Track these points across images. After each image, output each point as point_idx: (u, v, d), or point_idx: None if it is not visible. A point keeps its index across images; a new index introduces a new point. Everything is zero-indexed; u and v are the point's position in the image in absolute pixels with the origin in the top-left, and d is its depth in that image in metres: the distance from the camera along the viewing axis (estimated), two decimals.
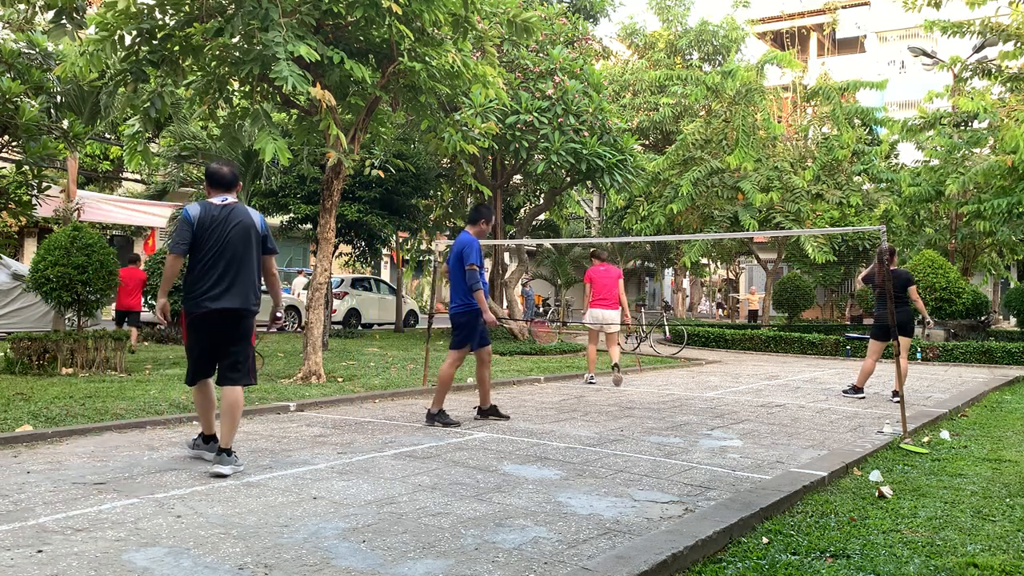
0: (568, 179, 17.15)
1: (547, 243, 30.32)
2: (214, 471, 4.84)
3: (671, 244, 27.72)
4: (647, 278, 42.36)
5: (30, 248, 23.64)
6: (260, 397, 7.95)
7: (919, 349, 16.01)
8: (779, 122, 21.90)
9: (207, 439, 5.31)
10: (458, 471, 5.14)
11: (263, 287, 5.42)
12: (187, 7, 8.54)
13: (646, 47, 28.32)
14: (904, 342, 9.24)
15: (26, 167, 10.07)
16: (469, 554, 3.50)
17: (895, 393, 9.45)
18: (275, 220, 19.82)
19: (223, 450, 4.91)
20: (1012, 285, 28.28)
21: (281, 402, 7.68)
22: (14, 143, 10.34)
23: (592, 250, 11.55)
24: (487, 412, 7.36)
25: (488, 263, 22.80)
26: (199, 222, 5.04)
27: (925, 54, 21.42)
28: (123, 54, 8.63)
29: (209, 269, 5.02)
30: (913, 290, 9.50)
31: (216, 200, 5.18)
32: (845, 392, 9.85)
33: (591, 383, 10.76)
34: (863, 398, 9.56)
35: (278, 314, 5.49)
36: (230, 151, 16.16)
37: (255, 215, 5.26)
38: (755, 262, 29.77)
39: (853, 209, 20.13)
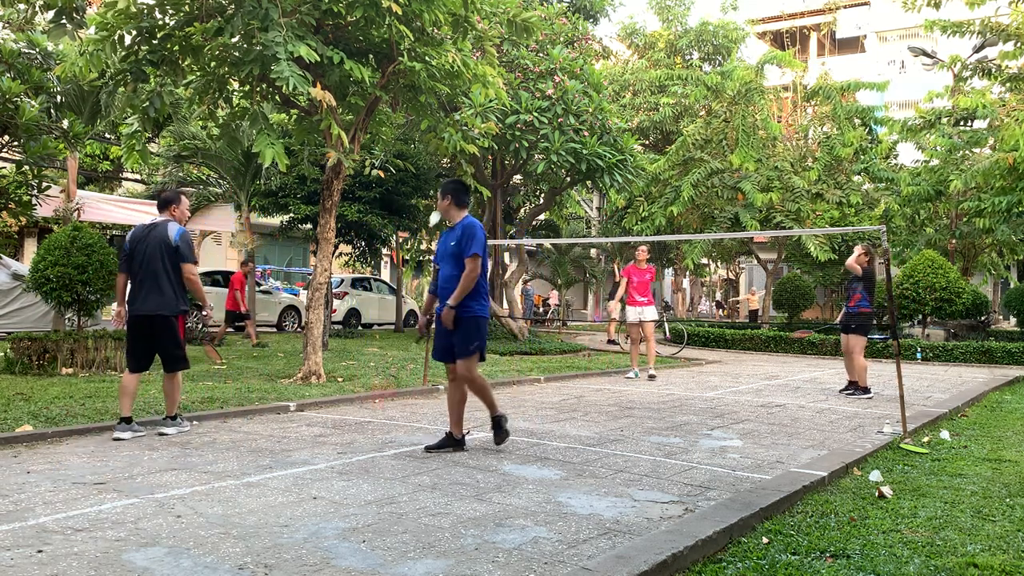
0: (568, 179, 17.14)
1: (547, 243, 30.29)
2: (160, 431, 6.20)
3: (671, 244, 27.72)
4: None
5: (30, 248, 23.64)
6: (260, 397, 7.96)
7: (919, 349, 16.02)
8: (779, 122, 21.88)
9: (126, 420, 6.11)
10: (458, 471, 5.13)
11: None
12: (187, 7, 8.54)
13: (646, 47, 28.29)
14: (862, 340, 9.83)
15: (26, 167, 10.07)
16: (469, 554, 3.50)
17: (852, 383, 9.87)
18: (275, 220, 19.83)
19: (169, 417, 6.33)
20: (1012, 285, 28.28)
21: (281, 402, 7.68)
22: (14, 143, 10.35)
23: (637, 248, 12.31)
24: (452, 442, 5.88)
25: (489, 263, 22.77)
26: (130, 243, 6.23)
27: (925, 54, 21.41)
28: (123, 54, 8.63)
29: (136, 281, 6.18)
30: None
31: (147, 220, 6.39)
32: (851, 394, 9.72)
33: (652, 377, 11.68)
34: (871, 397, 9.57)
35: (204, 312, 6.60)
36: (230, 151, 16.17)
37: (172, 230, 6.21)
38: (755, 262, 29.77)
39: (853, 209, 20.12)
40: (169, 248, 6.15)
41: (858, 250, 9.72)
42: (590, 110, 15.31)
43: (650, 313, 11.74)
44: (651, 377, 11.63)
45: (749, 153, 19.23)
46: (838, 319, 10.20)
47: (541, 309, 34.27)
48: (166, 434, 6.15)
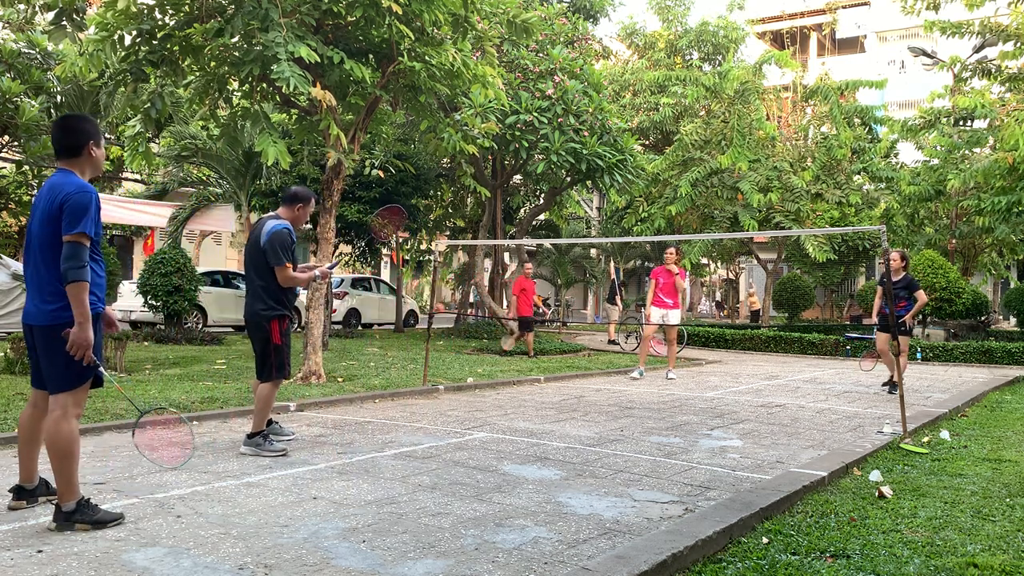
0: (568, 179, 17.13)
1: (547, 243, 30.30)
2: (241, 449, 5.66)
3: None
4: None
5: None
6: None
7: (919, 349, 16.02)
8: (778, 122, 21.88)
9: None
10: (458, 471, 5.14)
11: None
12: (187, 7, 8.54)
13: (646, 47, 28.27)
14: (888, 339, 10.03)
15: (26, 167, 10.08)
16: (469, 554, 3.50)
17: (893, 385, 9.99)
18: None
19: (249, 435, 5.66)
20: (1012, 285, 28.28)
21: (281, 402, 7.67)
22: (14, 143, 10.36)
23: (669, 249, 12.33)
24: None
25: (488, 263, 22.79)
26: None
27: (925, 54, 21.42)
28: (123, 54, 8.64)
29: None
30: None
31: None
32: (891, 392, 9.96)
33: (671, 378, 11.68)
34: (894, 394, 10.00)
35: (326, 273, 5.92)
36: (230, 151, 16.18)
37: (267, 227, 5.62)
38: (755, 262, 29.77)
39: (853, 209, 20.12)
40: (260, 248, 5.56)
41: (895, 255, 9.56)
42: (590, 110, 15.31)
43: (674, 316, 11.72)
44: (669, 379, 11.58)
45: (743, 153, 19.22)
46: (877, 321, 10.30)
47: (541, 309, 34.22)
48: (244, 453, 5.48)
